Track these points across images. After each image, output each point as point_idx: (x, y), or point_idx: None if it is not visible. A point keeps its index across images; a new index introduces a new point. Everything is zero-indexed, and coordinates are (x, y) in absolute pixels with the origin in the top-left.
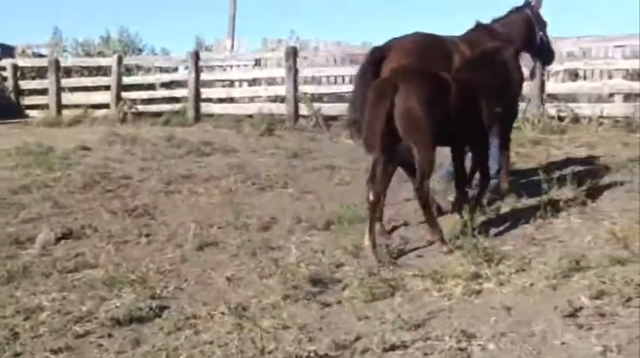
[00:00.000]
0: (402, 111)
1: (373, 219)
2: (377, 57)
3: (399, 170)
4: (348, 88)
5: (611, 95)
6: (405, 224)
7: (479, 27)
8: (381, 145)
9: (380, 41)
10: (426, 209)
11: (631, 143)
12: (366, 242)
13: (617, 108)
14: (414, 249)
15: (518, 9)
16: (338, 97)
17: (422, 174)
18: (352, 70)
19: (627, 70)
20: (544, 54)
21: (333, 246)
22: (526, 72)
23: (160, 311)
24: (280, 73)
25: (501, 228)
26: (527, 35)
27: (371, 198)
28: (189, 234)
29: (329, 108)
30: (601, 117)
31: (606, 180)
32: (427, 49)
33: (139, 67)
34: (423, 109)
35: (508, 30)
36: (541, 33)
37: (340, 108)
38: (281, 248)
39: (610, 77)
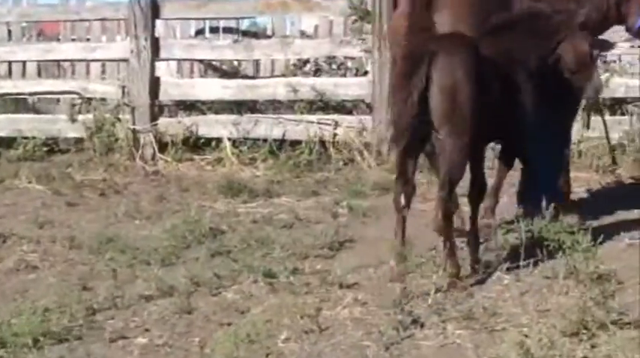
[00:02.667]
0: (439, 90)
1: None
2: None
3: None
4: (38, 85)
5: None
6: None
7: None
8: (411, 132)
9: None
10: (447, 228)
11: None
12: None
13: None
14: None
15: None
16: (15, 103)
17: (450, 179)
18: (44, 52)
19: None
20: None
21: None
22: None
23: None
24: None
25: (323, 344)
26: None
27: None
28: None
29: None
30: None
31: (510, 257)
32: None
33: None
34: (467, 90)
35: None
36: None
37: (22, 124)
38: None
39: None
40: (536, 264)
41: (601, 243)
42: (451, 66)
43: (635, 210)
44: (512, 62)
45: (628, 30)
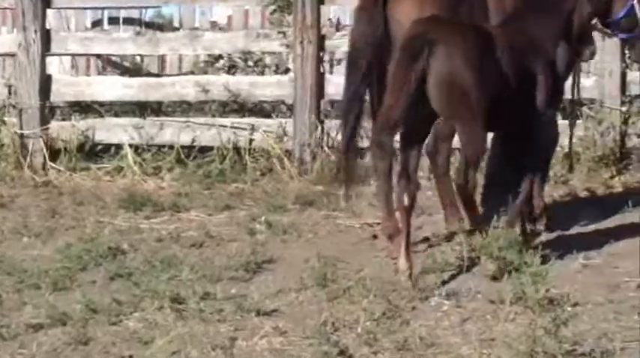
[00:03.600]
0: (440, 79)
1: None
2: None
3: None
4: None
5: None
6: None
7: None
8: (408, 121)
9: None
10: (471, 209)
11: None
12: (402, 264)
13: None
14: None
15: None
16: None
17: (468, 163)
18: None
19: None
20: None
21: None
22: None
23: None
24: None
25: None
26: None
27: (405, 202)
28: None
29: None
30: None
31: (450, 280)
32: None
33: None
34: (470, 76)
35: None
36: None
37: None
38: None
39: None
40: (479, 287)
41: (552, 263)
42: (450, 55)
43: (591, 226)
44: (531, 48)
45: (606, 19)
